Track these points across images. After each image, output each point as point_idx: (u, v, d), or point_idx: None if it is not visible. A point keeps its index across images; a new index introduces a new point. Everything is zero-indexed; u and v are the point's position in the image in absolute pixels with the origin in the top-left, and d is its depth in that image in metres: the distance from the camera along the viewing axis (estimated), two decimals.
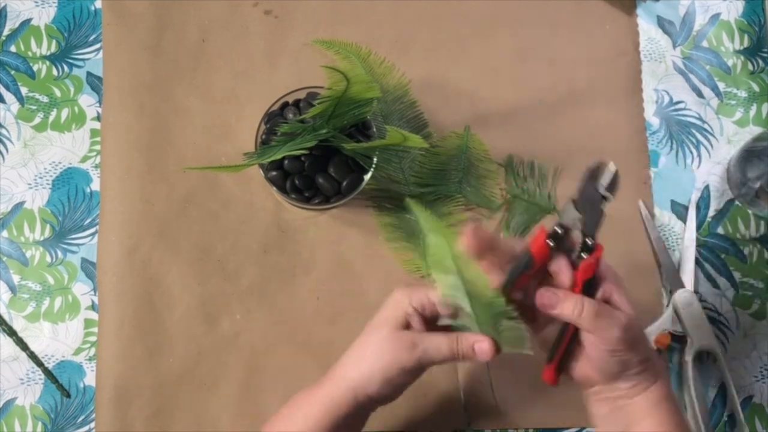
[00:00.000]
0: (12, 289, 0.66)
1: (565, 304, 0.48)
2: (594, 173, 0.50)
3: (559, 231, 0.50)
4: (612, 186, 0.50)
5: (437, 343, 0.49)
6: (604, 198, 0.50)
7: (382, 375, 0.49)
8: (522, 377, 0.64)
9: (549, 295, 0.49)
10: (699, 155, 0.71)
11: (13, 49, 0.70)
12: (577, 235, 0.50)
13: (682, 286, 0.67)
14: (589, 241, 0.50)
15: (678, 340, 0.66)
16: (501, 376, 0.65)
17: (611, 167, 0.50)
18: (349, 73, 0.53)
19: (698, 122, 0.71)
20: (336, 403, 0.50)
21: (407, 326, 0.51)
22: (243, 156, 0.60)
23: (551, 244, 0.50)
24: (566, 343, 0.51)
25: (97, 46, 0.70)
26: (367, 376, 0.49)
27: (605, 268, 0.50)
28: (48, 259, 0.67)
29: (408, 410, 0.65)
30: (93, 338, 0.66)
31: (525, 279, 0.50)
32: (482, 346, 0.49)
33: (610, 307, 0.49)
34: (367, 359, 0.50)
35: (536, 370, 0.66)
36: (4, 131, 0.69)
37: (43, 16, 0.71)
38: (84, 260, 0.67)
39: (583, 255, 0.50)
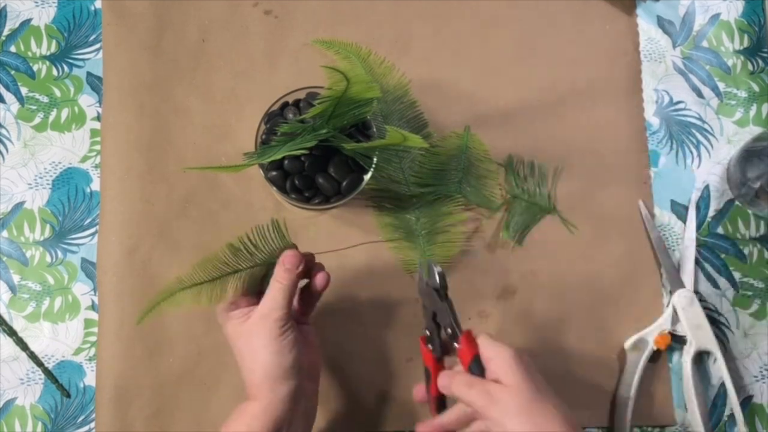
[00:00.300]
0: (12, 289, 0.66)
1: (454, 382, 0.52)
2: (423, 273, 0.56)
3: (429, 333, 0.56)
4: (440, 279, 0.55)
5: (269, 296, 0.54)
6: (438, 290, 0.55)
7: (269, 356, 0.53)
8: None
9: (444, 378, 0.54)
10: (699, 155, 0.71)
11: (13, 49, 0.70)
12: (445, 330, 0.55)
13: (682, 286, 0.67)
14: (449, 331, 0.54)
15: (678, 340, 0.66)
16: None
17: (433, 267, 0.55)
18: (349, 73, 0.53)
19: (698, 122, 0.71)
20: (264, 406, 0.53)
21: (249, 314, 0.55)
22: (243, 156, 0.60)
23: (431, 348, 0.56)
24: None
25: (97, 46, 0.70)
26: (264, 370, 0.53)
27: (488, 348, 0.52)
28: (48, 259, 0.67)
29: (408, 410, 0.65)
30: (93, 338, 0.66)
31: (435, 389, 0.56)
32: (289, 260, 0.55)
33: (482, 381, 0.51)
34: (251, 361, 0.54)
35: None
36: (4, 131, 0.69)
37: (43, 16, 0.71)
38: (84, 260, 0.67)
39: (456, 345, 0.54)
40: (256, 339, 0.53)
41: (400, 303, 0.67)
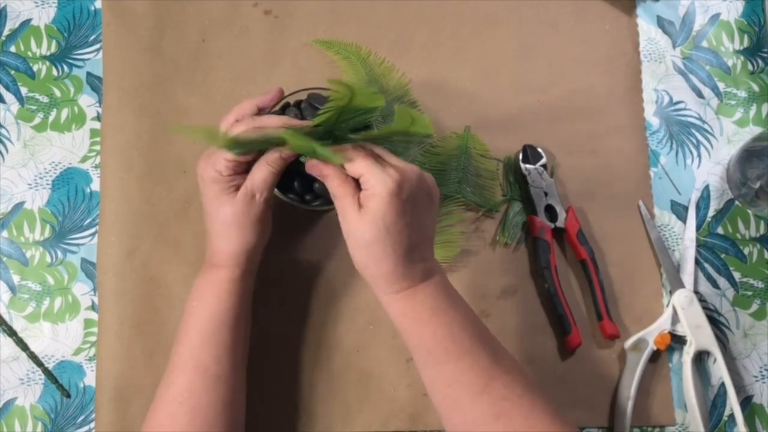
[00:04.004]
0: (12, 289, 0.66)
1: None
2: None
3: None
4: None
5: (260, 177, 0.55)
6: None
7: (253, 234, 0.57)
8: None
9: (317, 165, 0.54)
10: (699, 155, 0.71)
11: (13, 49, 0.70)
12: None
13: (682, 286, 0.67)
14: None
15: (678, 340, 0.66)
16: None
17: None
18: (354, 86, 0.52)
19: (698, 122, 0.71)
20: (236, 275, 0.57)
21: (234, 183, 0.56)
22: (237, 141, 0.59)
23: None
24: None
25: (97, 46, 0.70)
26: (245, 244, 0.57)
27: (371, 178, 0.51)
28: (48, 259, 0.67)
29: (409, 410, 0.65)
30: (93, 338, 0.66)
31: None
32: (286, 152, 0.56)
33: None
34: (234, 234, 0.57)
35: (535, 369, 0.66)
36: (4, 131, 0.69)
37: (43, 16, 0.71)
38: (84, 260, 0.67)
39: None
40: (243, 217, 0.56)
41: None
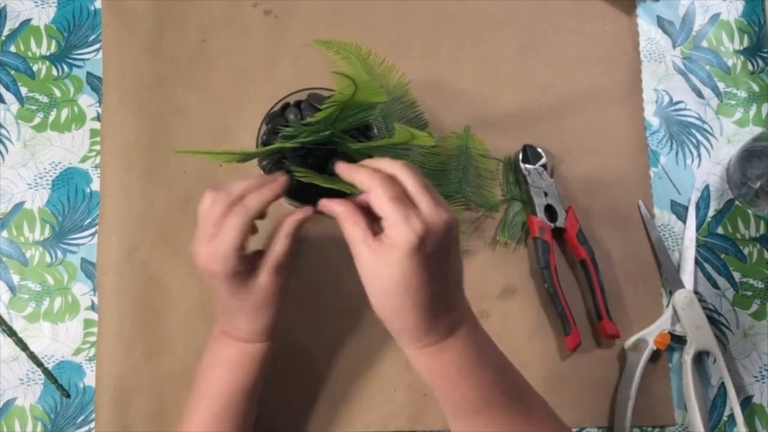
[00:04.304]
0: (12, 289, 0.66)
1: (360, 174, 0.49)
2: None
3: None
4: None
5: (282, 250, 0.52)
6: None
7: (282, 303, 0.54)
8: None
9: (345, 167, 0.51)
10: (699, 155, 0.71)
11: (13, 49, 0.70)
12: None
13: (682, 286, 0.67)
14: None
15: (678, 340, 0.66)
16: None
17: None
18: (357, 78, 0.52)
19: (698, 122, 0.71)
20: (267, 348, 0.56)
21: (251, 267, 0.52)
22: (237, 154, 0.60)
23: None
24: None
25: (97, 46, 0.70)
26: (273, 318, 0.55)
27: (394, 227, 0.47)
28: (48, 259, 0.67)
29: (409, 410, 0.65)
30: (93, 338, 0.66)
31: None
32: (303, 216, 0.53)
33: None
34: (263, 313, 0.54)
35: (535, 369, 0.66)
36: (4, 131, 0.69)
37: (43, 16, 0.71)
38: (84, 260, 0.67)
39: None
40: (273, 295, 0.53)
41: None
